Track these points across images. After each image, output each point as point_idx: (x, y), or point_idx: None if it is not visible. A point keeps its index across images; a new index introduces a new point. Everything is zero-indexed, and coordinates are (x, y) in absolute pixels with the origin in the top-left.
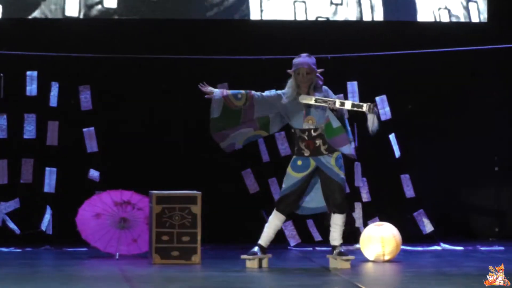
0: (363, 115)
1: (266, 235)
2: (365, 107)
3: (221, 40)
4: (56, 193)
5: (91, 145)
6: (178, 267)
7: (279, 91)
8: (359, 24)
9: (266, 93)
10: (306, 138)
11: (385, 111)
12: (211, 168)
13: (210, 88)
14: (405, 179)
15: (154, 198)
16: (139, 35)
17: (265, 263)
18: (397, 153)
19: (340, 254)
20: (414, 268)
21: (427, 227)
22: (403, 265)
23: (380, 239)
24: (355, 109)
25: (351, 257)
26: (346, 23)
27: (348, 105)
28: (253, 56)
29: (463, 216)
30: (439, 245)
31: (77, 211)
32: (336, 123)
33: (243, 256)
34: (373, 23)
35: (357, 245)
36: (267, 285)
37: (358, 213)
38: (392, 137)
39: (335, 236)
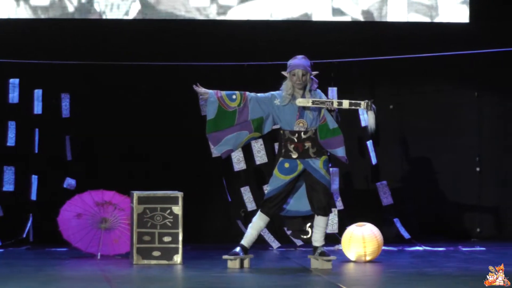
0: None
1: (249, 236)
2: (362, 105)
3: (204, 44)
4: (38, 200)
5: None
6: (159, 267)
7: (273, 92)
8: (338, 25)
9: (260, 94)
10: (296, 140)
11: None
12: (193, 168)
13: (204, 89)
14: (382, 186)
15: (136, 198)
16: (120, 39)
17: (246, 264)
18: (374, 160)
19: (322, 254)
20: (396, 269)
21: (405, 234)
22: (385, 266)
23: (361, 240)
24: (352, 107)
25: (332, 257)
26: (324, 24)
27: (345, 104)
28: (235, 62)
29: (445, 217)
30: (420, 246)
31: (58, 212)
32: (333, 124)
33: (225, 256)
34: (353, 24)
35: (339, 246)
36: (249, 285)
37: (331, 219)
38: (369, 144)
39: (317, 237)
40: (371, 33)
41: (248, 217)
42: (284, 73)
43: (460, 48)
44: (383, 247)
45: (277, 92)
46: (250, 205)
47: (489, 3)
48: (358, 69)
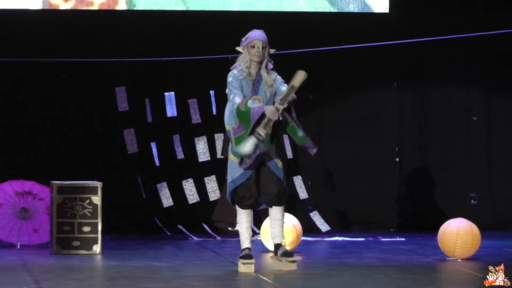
0: None
1: (244, 236)
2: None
3: (124, 40)
4: None
5: None
6: (79, 257)
7: (232, 74)
8: (257, 15)
9: (234, 83)
10: None
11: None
12: (112, 158)
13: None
14: (298, 180)
15: (55, 188)
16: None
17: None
18: (289, 154)
19: (285, 254)
20: (315, 259)
21: (324, 226)
22: (304, 256)
23: None
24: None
25: (297, 257)
26: (241, 14)
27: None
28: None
29: (364, 207)
30: (340, 236)
31: None
32: (301, 132)
33: (241, 262)
34: (272, 14)
35: (258, 235)
36: (168, 275)
37: None
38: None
39: (276, 232)
40: (290, 23)
41: (163, 219)
42: (238, 48)
43: (381, 39)
44: (303, 238)
45: (232, 73)
46: (167, 201)
47: None
48: (276, 60)
